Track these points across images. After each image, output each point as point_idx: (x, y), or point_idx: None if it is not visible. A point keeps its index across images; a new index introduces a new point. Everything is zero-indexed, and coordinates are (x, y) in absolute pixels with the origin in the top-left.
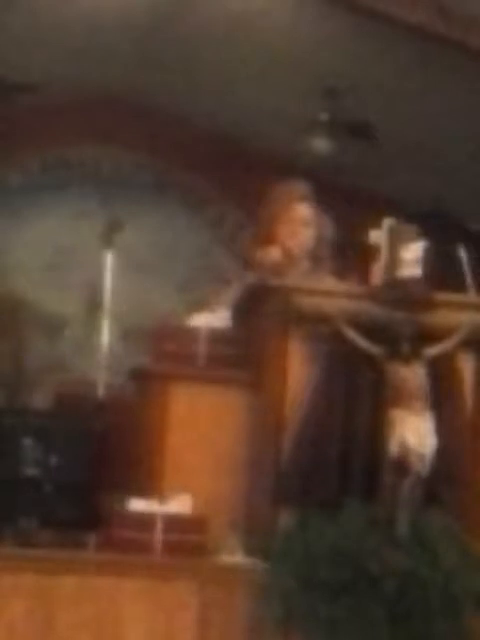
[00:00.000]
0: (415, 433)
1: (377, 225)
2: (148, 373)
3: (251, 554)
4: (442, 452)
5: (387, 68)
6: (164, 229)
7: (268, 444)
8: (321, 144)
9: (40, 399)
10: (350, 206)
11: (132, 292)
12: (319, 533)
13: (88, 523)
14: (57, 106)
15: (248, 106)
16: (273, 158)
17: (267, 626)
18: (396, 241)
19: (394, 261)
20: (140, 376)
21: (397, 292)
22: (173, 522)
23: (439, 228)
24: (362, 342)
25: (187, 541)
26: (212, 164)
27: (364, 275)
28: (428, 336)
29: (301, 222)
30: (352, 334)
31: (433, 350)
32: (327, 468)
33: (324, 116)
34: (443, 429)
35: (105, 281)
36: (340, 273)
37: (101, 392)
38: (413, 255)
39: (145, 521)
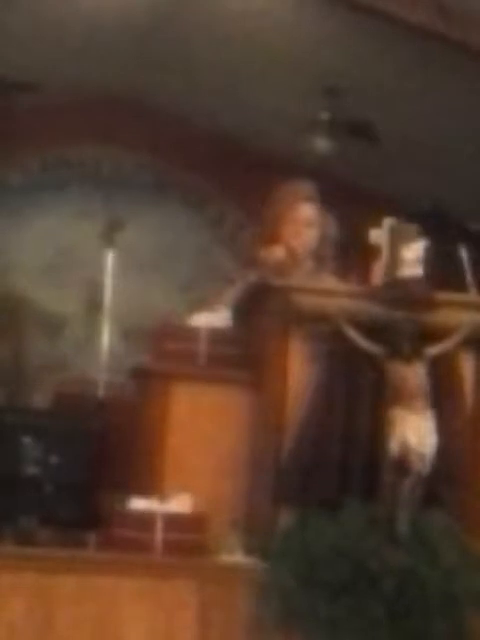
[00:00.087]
0: (416, 432)
1: (377, 224)
2: (148, 372)
3: (251, 553)
4: (442, 451)
5: (387, 68)
6: (164, 229)
7: (268, 443)
8: (321, 144)
9: (40, 398)
10: (350, 205)
11: (132, 292)
12: (319, 532)
13: (88, 522)
14: (57, 106)
15: (248, 106)
16: (273, 158)
17: (267, 625)
18: (397, 240)
19: (395, 260)
20: (140, 375)
21: (398, 291)
22: (173, 521)
23: (439, 228)
24: (363, 341)
25: (187, 540)
26: (212, 164)
27: (365, 274)
28: (429, 335)
29: (305, 222)
30: (353, 333)
31: (434, 349)
32: (327, 467)
33: (324, 115)
34: (444, 428)
35: (105, 280)
36: (342, 273)
37: (101, 391)
38: (414, 255)
39: (145, 520)
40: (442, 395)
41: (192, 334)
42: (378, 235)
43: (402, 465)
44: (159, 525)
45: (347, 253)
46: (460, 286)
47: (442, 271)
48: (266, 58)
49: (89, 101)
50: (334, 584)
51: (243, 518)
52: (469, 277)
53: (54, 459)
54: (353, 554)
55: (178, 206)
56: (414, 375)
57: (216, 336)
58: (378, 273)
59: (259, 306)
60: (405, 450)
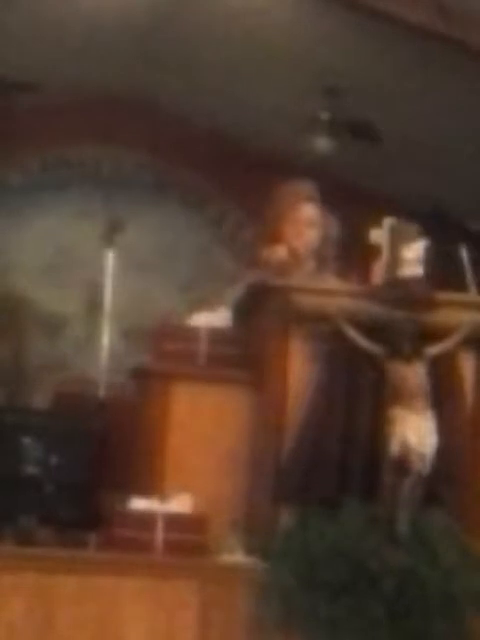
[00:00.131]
0: (416, 432)
1: (377, 224)
2: (149, 372)
3: (251, 553)
4: (443, 451)
5: (387, 67)
6: (164, 229)
7: (269, 443)
8: (321, 143)
9: (40, 398)
10: (350, 205)
11: (133, 291)
12: (319, 532)
13: (89, 522)
14: (57, 106)
15: (248, 105)
16: (273, 157)
17: (267, 625)
18: (397, 240)
19: (395, 260)
20: (141, 375)
21: (398, 291)
22: (174, 521)
23: (439, 228)
24: (363, 341)
25: (188, 540)
26: (212, 163)
27: (365, 274)
28: (429, 335)
29: (307, 222)
30: (353, 333)
31: (434, 349)
32: (327, 467)
33: (324, 115)
34: (444, 428)
35: (105, 280)
36: (343, 273)
37: (102, 391)
38: (414, 254)
39: (146, 520)
40: (442, 395)
41: (192, 334)
42: (378, 235)
43: (402, 465)
44: (159, 525)
45: (347, 253)
46: (460, 286)
47: (442, 271)
48: (266, 57)
49: (89, 101)
50: (334, 584)
51: (243, 518)
52: (469, 277)
53: (54, 459)
54: (353, 554)
55: (178, 206)
56: (414, 375)
57: (216, 336)
58: (378, 273)
59: (259, 306)
60: (405, 450)
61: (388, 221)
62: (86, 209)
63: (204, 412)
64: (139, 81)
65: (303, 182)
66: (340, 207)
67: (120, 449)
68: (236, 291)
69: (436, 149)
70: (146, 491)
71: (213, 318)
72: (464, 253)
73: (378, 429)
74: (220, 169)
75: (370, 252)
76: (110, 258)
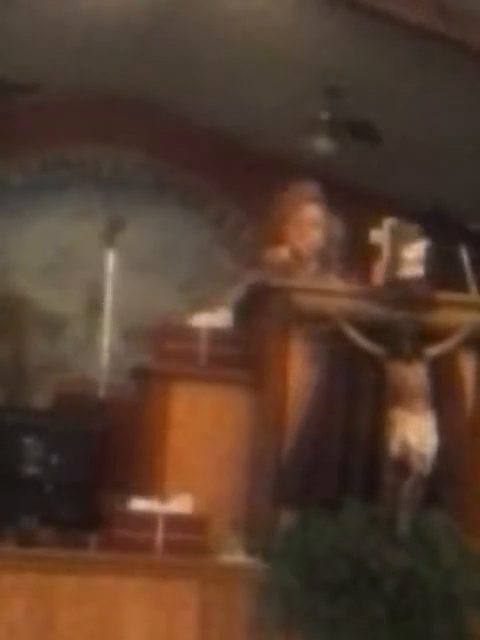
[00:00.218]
0: (416, 433)
1: (378, 225)
2: (149, 373)
3: (252, 554)
4: (443, 452)
5: (387, 67)
6: (164, 229)
7: (269, 444)
8: (322, 143)
9: (41, 399)
10: (350, 205)
11: (133, 292)
12: (320, 533)
13: (89, 522)
14: (57, 106)
15: (248, 105)
16: (273, 157)
17: (268, 625)
18: (397, 241)
19: (395, 261)
20: (141, 376)
21: (398, 292)
22: (174, 522)
23: (439, 228)
24: (363, 342)
25: (188, 541)
26: (212, 163)
27: (365, 274)
28: (429, 336)
29: (311, 223)
30: (353, 334)
31: (434, 350)
32: (328, 468)
33: (324, 115)
34: (444, 429)
35: (106, 280)
36: (345, 273)
37: (102, 392)
38: (414, 255)
39: (146, 521)
40: (442, 395)
41: (192, 334)
42: (379, 235)
43: (403, 465)
44: (160, 525)
45: (348, 253)
46: (460, 286)
47: (442, 271)
48: (266, 58)
49: (89, 101)
50: (335, 584)
51: (244, 518)
52: (469, 277)
53: (55, 459)
54: (354, 554)
55: (178, 206)
56: (414, 375)
57: (216, 336)
58: (379, 273)
59: (259, 306)
60: (406, 450)
61: (388, 221)
62: (86, 209)
63: (204, 412)
64: (139, 81)
65: (307, 183)
66: (340, 207)
67: (120, 449)
68: (237, 291)
69: (436, 149)
70: (146, 491)
71: (213, 318)
72: (464, 253)
73: (378, 429)
74: (220, 169)
75: (370, 252)
76: (110, 258)
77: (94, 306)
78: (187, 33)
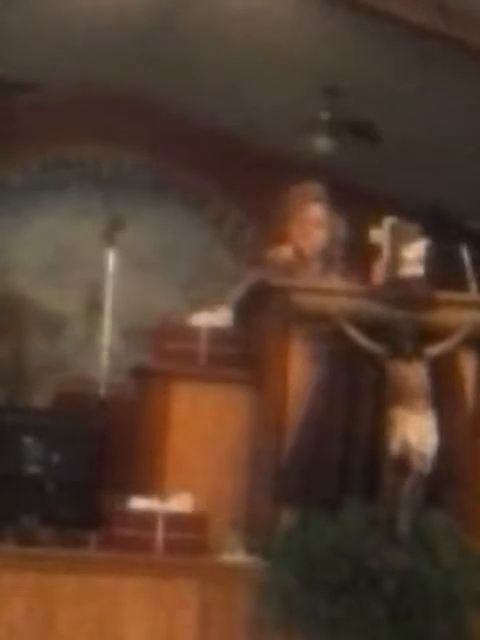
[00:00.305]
0: (416, 432)
1: (378, 224)
2: (149, 372)
3: (252, 553)
4: (443, 451)
5: (388, 67)
6: (165, 228)
7: (269, 443)
8: (322, 143)
9: (41, 398)
10: (350, 205)
11: (133, 291)
12: (320, 532)
13: (89, 522)
14: (57, 105)
15: (249, 105)
16: (274, 157)
17: (268, 625)
18: (398, 240)
19: (396, 260)
20: (141, 375)
21: (399, 291)
22: (174, 521)
23: (439, 227)
24: (363, 341)
25: (188, 540)
26: (213, 163)
27: (365, 274)
28: (429, 335)
29: (314, 223)
30: (353, 333)
31: (434, 349)
32: (328, 467)
33: (325, 115)
34: (444, 428)
35: (106, 280)
36: (348, 273)
37: (102, 391)
38: (415, 254)
39: (146, 520)
40: (443, 394)
41: (192, 334)
42: (379, 235)
43: (403, 465)
44: (160, 524)
45: (348, 253)
46: (461, 285)
47: (443, 271)
48: (266, 58)
49: (89, 101)
50: (335, 584)
51: (244, 518)
52: (469, 276)
53: (55, 459)
54: (354, 554)
55: (178, 206)
56: (415, 374)
57: (216, 336)
58: (379, 272)
59: (260, 306)
60: (406, 450)
61: (388, 221)
62: (86, 209)
63: (204, 412)
64: (139, 81)
65: (311, 183)
66: (340, 207)
67: (121, 448)
68: (237, 291)
69: (436, 149)
70: (146, 490)
71: (214, 318)
72: (464, 253)
73: (379, 429)
74: (220, 169)
75: (371, 252)
76: (110, 258)
77: (94, 306)
78: (187, 33)
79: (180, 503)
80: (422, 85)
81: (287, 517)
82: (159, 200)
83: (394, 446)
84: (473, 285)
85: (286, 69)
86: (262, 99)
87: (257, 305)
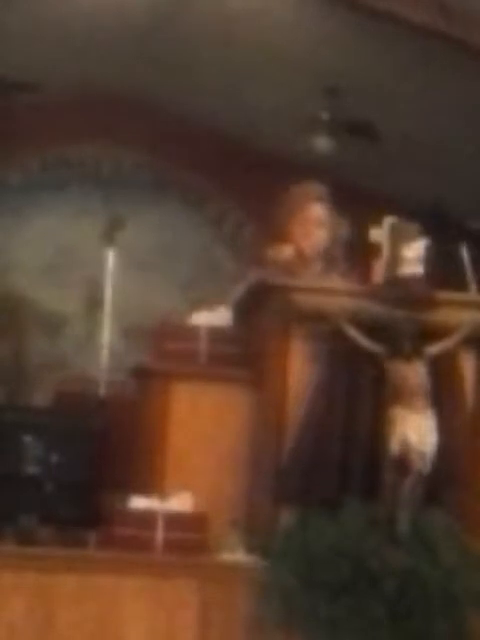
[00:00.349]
0: (416, 431)
1: (378, 224)
2: (149, 371)
3: (252, 552)
4: (443, 451)
5: (388, 67)
6: (164, 228)
7: (269, 442)
8: (322, 143)
9: (41, 397)
10: (350, 205)
11: (133, 290)
12: (320, 532)
13: (89, 521)
14: (57, 105)
15: (249, 105)
16: (273, 157)
17: (267, 624)
18: (397, 239)
19: (395, 259)
20: (141, 374)
21: (398, 290)
22: (174, 520)
23: (439, 227)
24: (363, 340)
25: (188, 539)
26: (212, 163)
27: (365, 273)
28: (429, 334)
29: (315, 222)
30: (353, 332)
31: (434, 348)
32: (328, 467)
33: (325, 115)
34: (444, 427)
35: (106, 279)
36: (348, 273)
37: (102, 390)
38: (414, 253)
39: (146, 519)
40: (442, 394)
41: (192, 333)
42: (378, 234)
43: (403, 464)
44: (160, 524)
45: (349, 253)
46: (460, 285)
47: (442, 270)
48: (266, 58)
49: (89, 100)
50: (334, 584)
51: (244, 517)
52: (469, 276)
53: (55, 458)
54: (353, 554)
55: (178, 205)
56: (415, 374)
57: (216, 335)
58: (379, 272)
59: (260, 305)
60: (406, 449)
61: (388, 220)
62: (86, 208)
63: (204, 411)
64: (139, 81)
65: (313, 183)
66: (340, 207)
67: (120, 448)
68: (238, 290)
69: (436, 149)
70: (146, 490)
71: (213, 317)
72: (464, 252)
73: (378, 428)
74: (220, 169)
75: (370, 251)
76: (110, 257)
77: (94, 305)
78: (187, 33)
79: (180, 503)
80: (422, 85)
81: (287, 517)
82: (159, 200)
83: (394, 446)
84: (473, 285)
85: (286, 69)
86: (262, 99)
87: (257, 305)
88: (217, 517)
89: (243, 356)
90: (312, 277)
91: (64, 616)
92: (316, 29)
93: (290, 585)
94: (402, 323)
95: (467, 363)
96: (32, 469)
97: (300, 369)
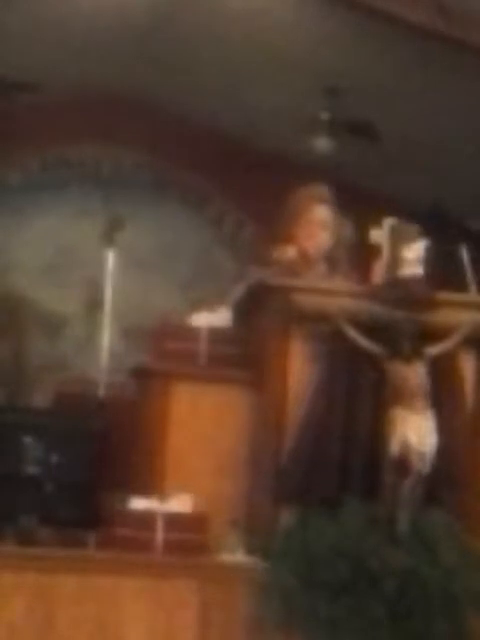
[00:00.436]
0: (416, 432)
1: (378, 224)
2: (149, 372)
3: (252, 553)
4: (443, 451)
5: (388, 67)
6: (164, 228)
7: (269, 443)
8: (322, 143)
9: (41, 398)
10: (350, 205)
11: (133, 291)
12: (319, 532)
13: (89, 522)
14: (57, 105)
15: (248, 105)
16: (273, 157)
17: (267, 625)
18: (397, 240)
19: (395, 260)
20: (141, 375)
21: (398, 291)
22: (174, 521)
23: (439, 228)
24: (363, 341)
25: (188, 540)
26: (212, 163)
27: (365, 274)
28: (429, 335)
29: (319, 224)
30: (353, 333)
31: (434, 349)
32: (328, 467)
33: (325, 115)
34: (444, 428)
35: (105, 280)
36: (351, 275)
37: (102, 391)
38: (414, 254)
39: (146, 520)
40: (442, 395)
41: (192, 334)
42: (378, 235)
43: (402, 465)
44: (159, 525)
45: (352, 255)
46: (460, 286)
47: (442, 271)
48: (266, 58)
49: (89, 101)
50: (334, 584)
51: (243, 518)
52: (469, 277)
53: (55, 458)
54: (353, 554)
55: (178, 205)
56: (414, 375)
57: (216, 336)
58: (378, 273)
59: (260, 306)
60: (405, 450)
61: (388, 221)
62: (86, 208)
63: (204, 412)
64: (139, 81)
65: (318, 184)
66: (340, 207)
67: (120, 449)
68: (238, 290)
69: (436, 149)
70: (146, 490)
71: (213, 318)
72: (464, 253)
73: (378, 429)
74: (220, 169)
75: (370, 252)
76: (110, 258)
77: (94, 305)
78: (187, 33)
79: (180, 503)
80: (422, 85)
81: (287, 517)
82: (159, 200)
83: (394, 446)
84: (473, 285)
85: (286, 69)
86: (262, 99)
87: (257, 305)
88: (217, 517)
89: (243, 357)
90: (315, 278)
91: (64, 616)
92: (316, 29)
93: (290, 585)
94: (402, 324)
95: (467, 364)
96: (32, 470)
97: (300, 369)
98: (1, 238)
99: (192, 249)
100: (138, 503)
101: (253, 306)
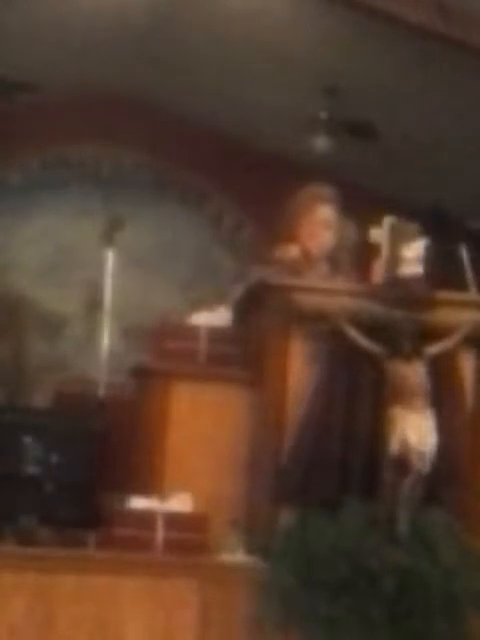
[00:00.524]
0: (416, 431)
1: (377, 223)
2: (149, 371)
3: (251, 552)
4: (443, 450)
5: (387, 67)
6: (164, 228)
7: (269, 442)
8: (321, 143)
9: (40, 398)
10: (350, 205)
11: (132, 291)
12: (319, 532)
13: (88, 521)
14: (57, 105)
15: (248, 105)
16: (273, 157)
17: (267, 624)
18: (397, 239)
19: (395, 259)
20: (141, 374)
21: (398, 290)
22: (173, 520)
23: (439, 227)
24: (363, 340)
25: (188, 539)
26: (212, 163)
27: (365, 273)
28: (429, 334)
29: (322, 224)
30: (353, 332)
31: (434, 348)
32: (327, 466)
33: (324, 115)
34: (444, 427)
35: (105, 280)
36: (354, 275)
37: (101, 391)
38: (414, 253)
39: (146, 519)
40: (442, 394)
41: (192, 333)
42: (378, 234)
43: (402, 464)
44: (159, 524)
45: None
46: (460, 285)
47: (442, 270)
48: (266, 57)
49: (89, 101)
50: (334, 584)
51: (243, 517)
52: (469, 276)
53: (54, 458)
54: (353, 554)
55: (177, 205)
56: (414, 374)
57: (216, 335)
58: (378, 272)
59: (259, 305)
60: (405, 449)
61: (388, 220)
62: (86, 208)
63: (204, 411)
64: (139, 81)
65: (322, 184)
66: (340, 207)
67: (120, 448)
68: (237, 290)
69: (436, 149)
70: (146, 490)
71: (213, 317)
72: (464, 252)
73: (378, 428)
74: (220, 169)
75: (370, 251)
76: (110, 257)
77: (94, 305)
78: (187, 33)
79: (180, 503)
80: (422, 85)
81: (286, 517)
82: (158, 200)
83: (393, 445)
84: (473, 285)
85: (285, 69)
86: (261, 99)
87: (257, 304)
88: (217, 517)
89: (243, 356)
90: (317, 278)
91: (64, 616)
92: (316, 29)
93: (290, 585)
94: (402, 323)
95: (467, 363)
96: (32, 469)
97: (300, 369)
98: (1, 238)
99: (192, 249)
100: (138, 503)
101: (253, 305)
